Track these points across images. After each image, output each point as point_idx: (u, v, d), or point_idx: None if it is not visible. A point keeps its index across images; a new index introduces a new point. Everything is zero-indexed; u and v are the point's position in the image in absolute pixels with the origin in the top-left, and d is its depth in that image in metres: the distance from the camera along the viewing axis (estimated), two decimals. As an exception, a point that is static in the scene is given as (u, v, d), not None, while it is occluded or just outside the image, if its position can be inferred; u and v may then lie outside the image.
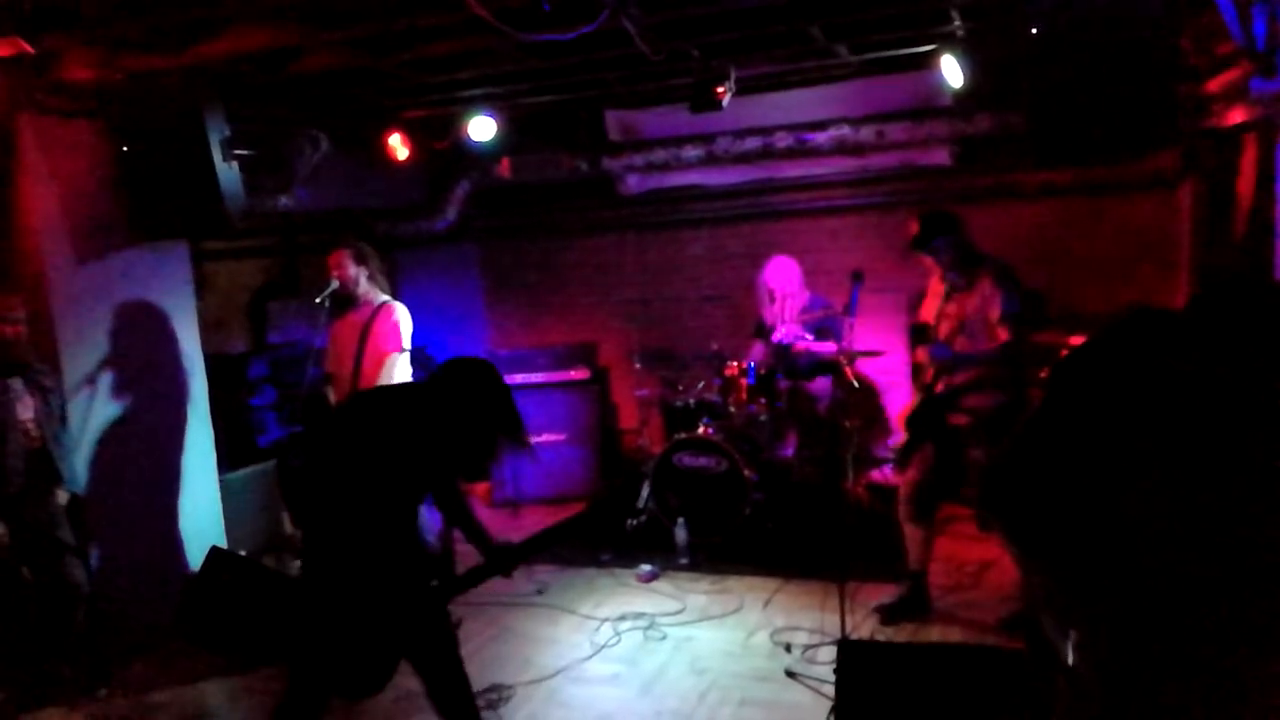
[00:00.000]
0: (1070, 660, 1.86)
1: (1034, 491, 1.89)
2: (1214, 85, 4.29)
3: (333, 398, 5.05)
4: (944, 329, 4.37)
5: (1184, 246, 5.92)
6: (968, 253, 4.32)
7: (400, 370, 4.93)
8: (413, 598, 2.99)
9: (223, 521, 5.31)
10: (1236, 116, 4.14)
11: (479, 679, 4.28)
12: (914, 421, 4.44)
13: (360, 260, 4.96)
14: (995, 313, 4.17)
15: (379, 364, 4.81)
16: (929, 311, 4.50)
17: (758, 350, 6.15)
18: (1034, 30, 3.23)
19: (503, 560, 3.17)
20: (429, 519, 3.95)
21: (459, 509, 3.25)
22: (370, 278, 4.98)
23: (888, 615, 4.55)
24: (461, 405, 2.98)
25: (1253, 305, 1.83)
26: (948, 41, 4.94)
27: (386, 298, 5.00)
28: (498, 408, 3.03)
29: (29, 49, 3.86)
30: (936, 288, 4.47)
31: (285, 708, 3.08)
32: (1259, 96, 3.36)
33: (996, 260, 4.31)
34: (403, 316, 4.93)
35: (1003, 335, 4.15)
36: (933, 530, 4.57)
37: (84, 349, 4.59)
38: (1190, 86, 4.40)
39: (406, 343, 4.93)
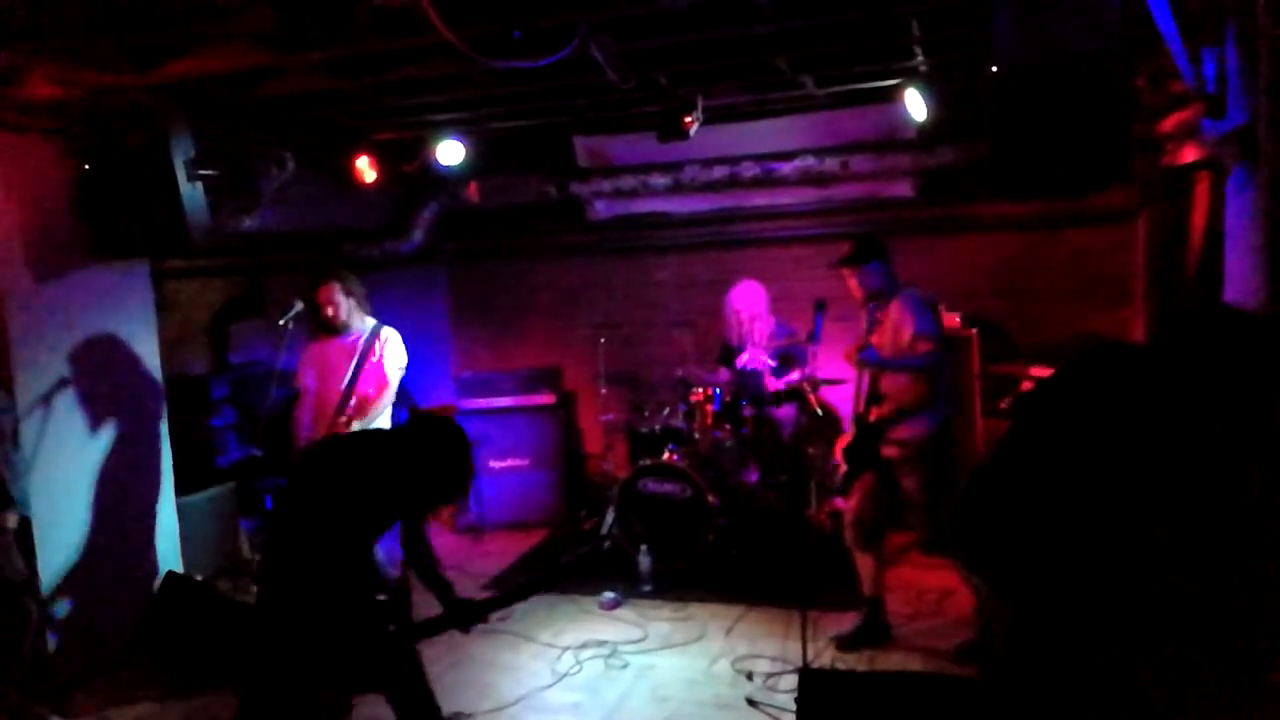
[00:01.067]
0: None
1: (1003, 527, 1.92)
2: (1168, 124, 4.41)
3: (305, 418, 4.97)
4: None
5: (1139, 279, 6.05)
6: (891, 281, 4.49)
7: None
8: (366, 634, 3.01)
9: (179, 544, 5.21)
10: (1189, 155, 4.26)
11: (438, 707, 4.25)
12: (850, 451, 4.52)
13: (348, 292, 4.95)
14: (907, 333, 4.31)
15: (383, 389, 4.86)
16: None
17: (723, 374, 6.18)
18: (994, 68, 3.30)
19: (462, 616, 3.22)
20: (391, 551, 3.95)
21: (421, 554, 3.30)
22: (358, 304, 4.99)
23: (845, 644, 4.57)
24: (429, 463, 3.11)
25: (1216, 338, 1.89)
26: (911, 76, 5.04)
27: (374, 321, 5.01)
28: (460, 470, 3.18)
29: (-10, 65, 3.82)
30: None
31: None
32: (1209, 137, 3.46)
33: (909, 289, 4.47)
34: (399, 341, 5.00)
35: (921, 347, 4.29)
36: (882, 556, 4.62)
37: (40, 368, 4.51)
38: (1145, 125, 4.52)
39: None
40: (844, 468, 4.57)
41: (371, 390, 4.86)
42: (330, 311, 4.89)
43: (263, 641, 3.04)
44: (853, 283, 4.52)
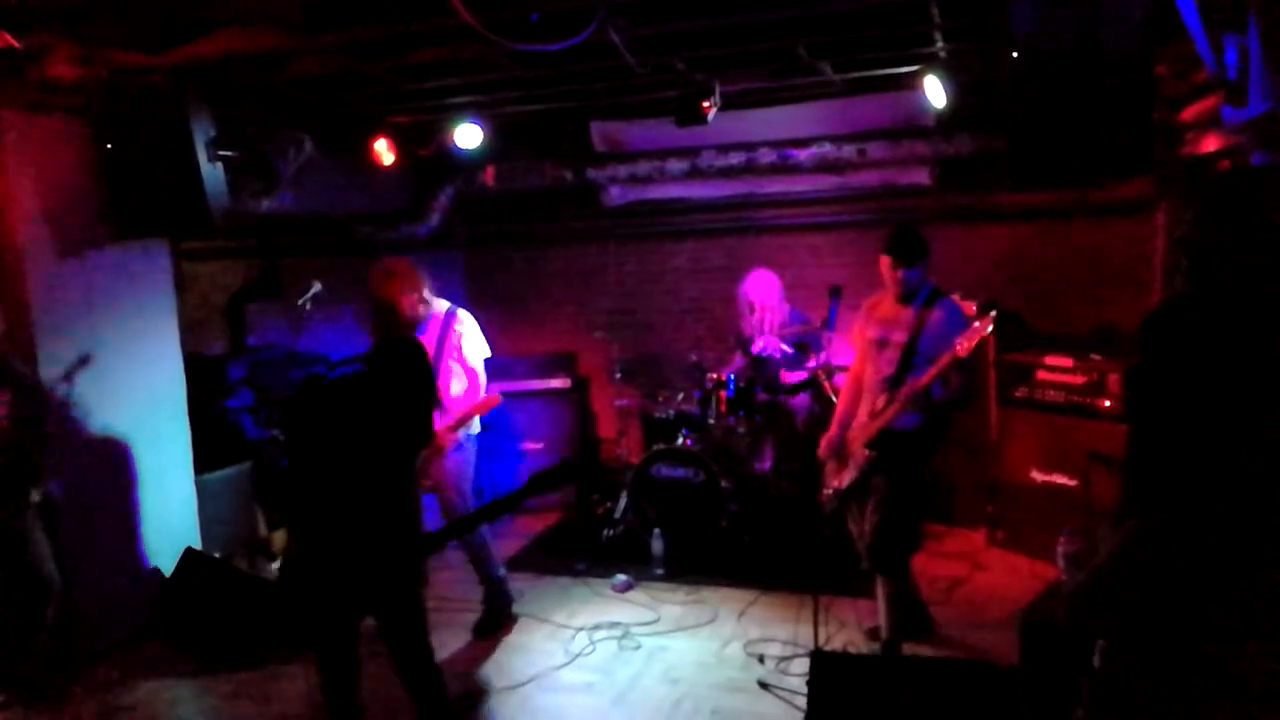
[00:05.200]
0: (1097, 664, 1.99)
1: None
2: (1189, 114, 4.38)
3: None
4: (889, 355, 4.19)
5: (1157, 269, 6.01)
6: (926, 281, 4.19)
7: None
8: (388, 557, 3.20)
9: (198, 522, 5.28)
10: (1210, 144, 4.23)
11: (452, 685, 4.28)
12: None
13: (419, 293, 4.60)
14: (947, 356, 3.88)
15: (475, 385, 4.79)
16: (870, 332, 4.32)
17: (738, 361, 6.19)
18: (1014, 55, 3.29)
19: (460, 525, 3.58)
20: None
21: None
22: (426, 296, 4.66)
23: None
24: (392, 379, 3.27)
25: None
26: (930, 63, 5.01)
27: (445, 305, 4.82)
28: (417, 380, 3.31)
29: (15, 44, 3.85)
30: (886, 311, 4.26)
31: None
32: (1230, 125, 3.44)
33: (947, 297, 4.17)
34: (476, 328, 4.84)
35: (955, 380, 3.98)
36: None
37: (62, 346, 4.56)
38: (1166, 114, 4.49)
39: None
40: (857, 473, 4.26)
41: (460, 389, 4.77)
42: (409, 312, 4.54)
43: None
44: (897, 274, 4.11)
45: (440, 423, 4.71)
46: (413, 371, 3.30)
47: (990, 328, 3.82)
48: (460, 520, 4.34)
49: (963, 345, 3.82)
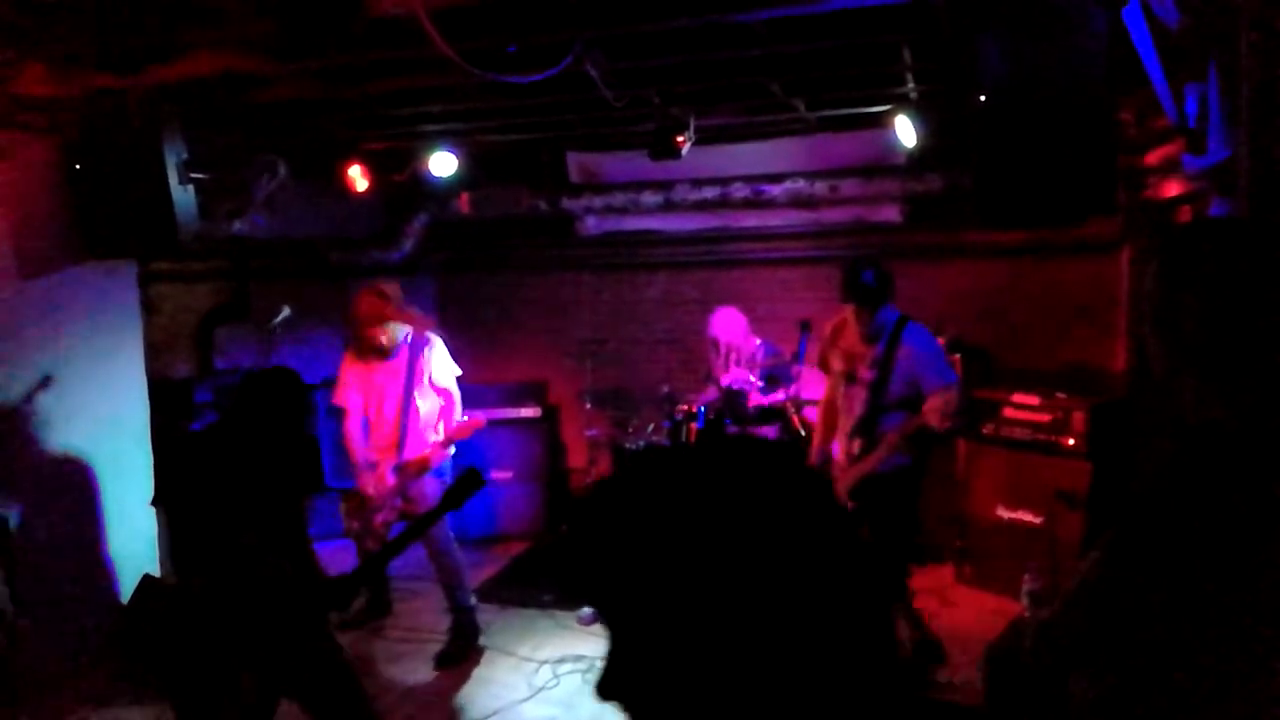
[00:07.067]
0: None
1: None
2: (1152, 158, 4.47)
3: (357, 434, 4.85)
4: (858, 393, 4.17)
5: (1122, 309, 6.11)
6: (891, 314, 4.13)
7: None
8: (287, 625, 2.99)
9: (158, 549, 5.18)
10: (1172, 189, 4.31)
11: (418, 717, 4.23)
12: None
13: (397, 314, 4.69)
14: (933, 399, 3.89)
15: (450, 404, 4.84)
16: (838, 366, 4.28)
17: (711, 394, 6.20)
18: (982, 97, 3.35)
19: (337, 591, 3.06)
20: None
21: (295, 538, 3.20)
22: (402, 320, 4.73)
23: None
24: (266, 415, 3.12)
25: None
26: (902, 103, 5.09)
27: (408, 328, 4.83)
28: (291, 412, 3.15)
29: (-14, 62, 3.83)
30: (851, 344, 4.23)
31: None
32: (1190, 171, 3.52)
33: (913, 324, 4.12)
34: (444, 350, 4.89)
35: (948, 422, 3.93)
36: None
37: (21, 367, 4.49)
38: (1130, 158, 4.58)
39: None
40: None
41: (430, 409, 4.79)
42: (384, 340, 4.66)
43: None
44: (864, 317, 4.05)
45: (426, 445, 4.76)
46: (289, 404, 3.12)
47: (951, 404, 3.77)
48: (372, 559, 4.26)
49: (934, 419, 3.80)
